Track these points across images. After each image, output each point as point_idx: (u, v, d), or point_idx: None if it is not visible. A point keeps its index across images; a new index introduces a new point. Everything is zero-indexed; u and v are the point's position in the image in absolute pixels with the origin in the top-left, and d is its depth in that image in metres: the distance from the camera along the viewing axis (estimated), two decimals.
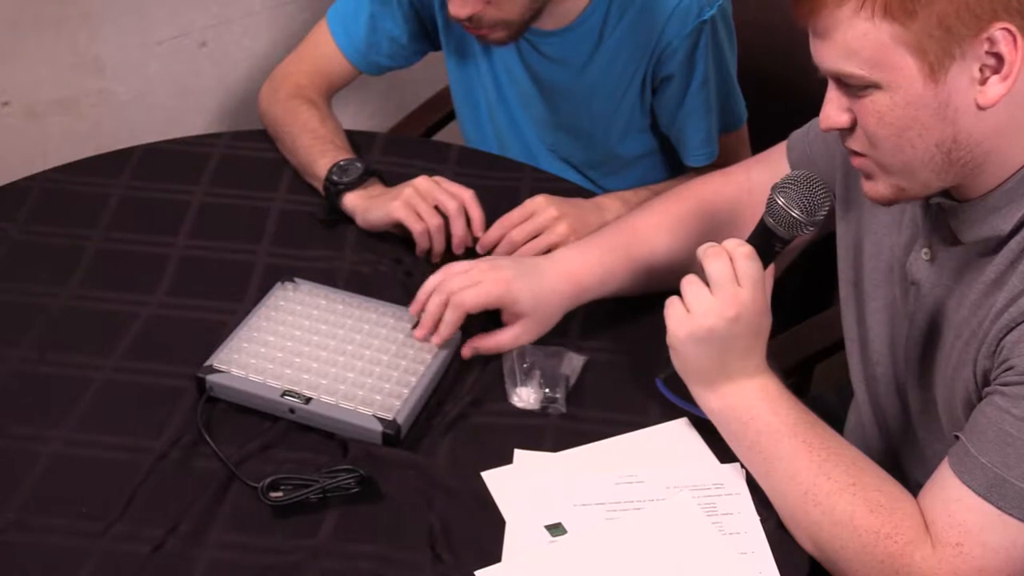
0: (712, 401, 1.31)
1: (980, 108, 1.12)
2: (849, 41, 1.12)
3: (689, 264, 1.36)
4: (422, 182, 1.61)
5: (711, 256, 1.27)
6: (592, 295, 1.49)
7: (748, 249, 1.27)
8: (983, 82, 1.11)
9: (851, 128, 1.19)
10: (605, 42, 1.74)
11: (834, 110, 1.19)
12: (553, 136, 1.88)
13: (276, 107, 1.81)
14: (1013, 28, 1.08)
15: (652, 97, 1.80)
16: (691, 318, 1.27)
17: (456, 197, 1.59)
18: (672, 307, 1.29)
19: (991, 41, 1.09)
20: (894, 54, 1.11)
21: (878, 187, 1.22)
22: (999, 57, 1.10)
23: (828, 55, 1.15)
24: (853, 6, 1.10)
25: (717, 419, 1.32)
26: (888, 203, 1.23)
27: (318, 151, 1.70)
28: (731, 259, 1.26)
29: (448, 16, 1.65)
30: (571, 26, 1.73)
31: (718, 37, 1.73)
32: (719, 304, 1.26)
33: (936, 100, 1.13)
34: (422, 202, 1.58)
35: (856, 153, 1.21)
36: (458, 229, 1.58)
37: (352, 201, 1.64)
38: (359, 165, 1.67)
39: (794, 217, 1.27)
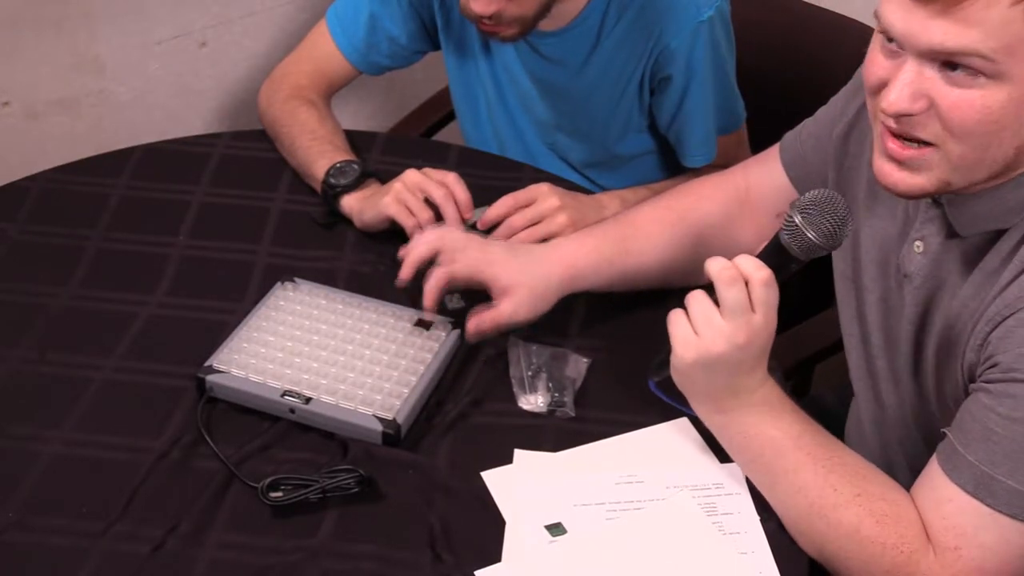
0: (714, 417, 1.30)
1: None
2: (990, 24, 1.06)
3: (684, 264, 1.36)
4: (410, 176, 1.61)
5: (726, 281, 1.21)
6: (587, 282, 1.48)
7: (768, 275, 1.21)
8: None
9: (919, 117, 1.12)
10: (603, 43, 1.74)
11: (910, 94, 1.11)
12: (552, 136, 1.88)
13: (275, 107, 1.81)
14: None
15: (650, 98, 1.80)
16: (699, 342, 1.22)
17: (441, 185, 1.59)
18: (678, 326, 1.24)
19: None
20: None
21: (918, 180, 1.16)
22: None
23: (954, 33, 1.07)
24: None
25: (719, 433, 1.31)
26: (914, 197, 1.19)
27: (316, 152, 1.70)
28: (747, 282, 1.21)
29: (468, 14, 1.64)
30: (569, 27, 1.73)
31: (716, 38, 1.73)
32: (730, 330, 1.21)
33: None
34: (411, 197, 1.59)
35: (919, 142, 1.14)
36: (449, 216, 1.58)
37: (349, 204, 1.64)
38: (356, 167, 1.67)
39: (812, 240, 1.21)
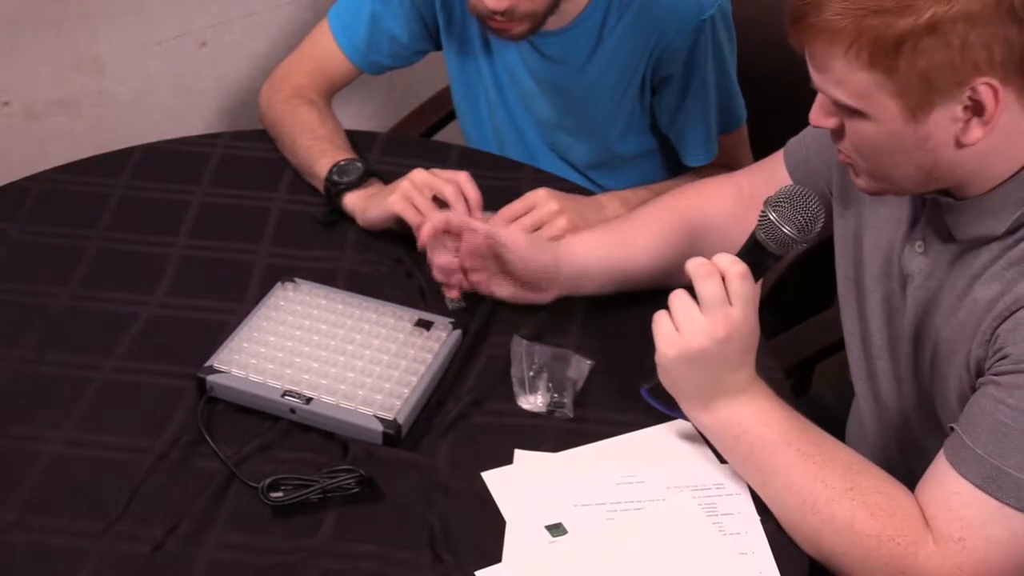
0: (703, 417, 1.31)
1: (960, 145, 1.14)
2: (837, 75, 1.14)
3: (684, 264, 1.35)
4: (417, 174, 1.61)
5: (703, 276, 1.25)
6: (587, 280, 1.50)
7: (742, 268, 1.25)
8: (965, 122, 1.13)
9: (839, 131, 1.20)
10: (604, 41, 1.74)
11: (822, 113, 1.21)
12: (553, 136, 1.88)
13: (276, 107, 1.81)
14: (995, 83, 1.09)
15: (651, 97, 1.80)
16: (680, 338, 1.26)
17: (451, 182, 1.59)
18: (660, 324, 1.28)
19: (973, 90, 1.10)
20: (877, 95, 1.13)
21: (861, 182, 1.24)
22: (981, 104, 1.11)
23: (819, 79, 1.17)
24: (841, 50, 1.11)
25: (710, 433, 1.32)
26: (870, 195, 1.26)
27: (318, 151, 1.70)
28: (724, 277, 1.25)
29: (479, 10, 1.63)
30: (571, 25, 1.73)
31: (717, 36, 1.73)
32: (709, 324, 1.24)
33: (917, 135, 1.14)
34: (419, 195, 1.59)
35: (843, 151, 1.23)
36: (459, 214, 1.58)
37: (352, 201, 1.64)
38: (359, 165, 1.67)
39: (786, 234, 1.25)
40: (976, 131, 1.12)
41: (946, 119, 1.13)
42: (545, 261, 1.49)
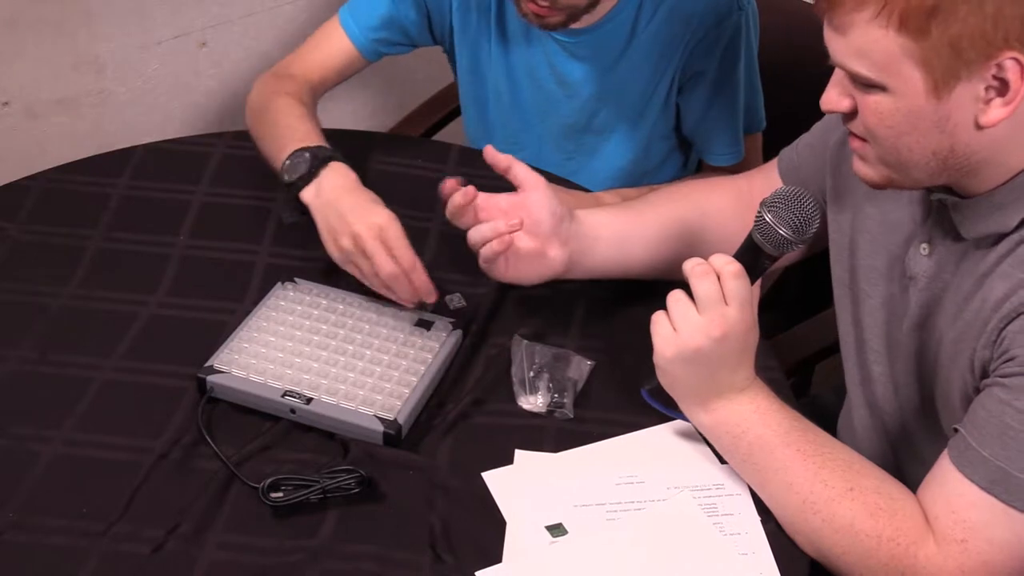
0: (702, 417, 1.31)
1: (979, 127, 1.13)
2: (861, 43, 1.13)
3: (682, 260, 1.36)
4: (363, 237, 1.45)
5: (699, 275, 1.25)
6: (597, 233, 1.48)
7: (736, 268, 1.25)
8: (986, 102, 1.12)
9: (852, 113, 1.19)
10: (638, 38, 1.72)
11: (837, 95, 1.20)
12: (575, 141, 1.85)
13: (263, 95, 1.74)
14: (1023, 58, 1.09)
15: (678, 97, 1.78)
16: (677, 338, 1.26)
17: (393, 266, 1.44)
18: (658, 324, 1.28)
19: (999, 67, 1.10)
20: (902, 65, 1.12)
21: (869, 171, 1.23)
22: (1005, 82, 1.11)
23: (840, 50, 1.15)
24: (871, 13, 1.11)
25: (709, 433, 1.32)
26: (876, 187, 1.25)
27: (279, 147, 1.60)
28: (719, 277, 1.25)
29: None
30: (601, 22, 1.71)
31: (750, 34, 1.72)
32: (706, 324, 1.25)
33: (937, 114, 1.14)
34: (364, 262, 1.46)
35: (856, 136, 1.22)
36: (402, 296, 1.47)
37: (308, 199, 1.53)
38: (306, 155, 1.55)
39: (782, 235, 1.25)
40: (997, 111, 1.12)
41: (968, 97, 1.12)
42: (562, 211, 1.46)
